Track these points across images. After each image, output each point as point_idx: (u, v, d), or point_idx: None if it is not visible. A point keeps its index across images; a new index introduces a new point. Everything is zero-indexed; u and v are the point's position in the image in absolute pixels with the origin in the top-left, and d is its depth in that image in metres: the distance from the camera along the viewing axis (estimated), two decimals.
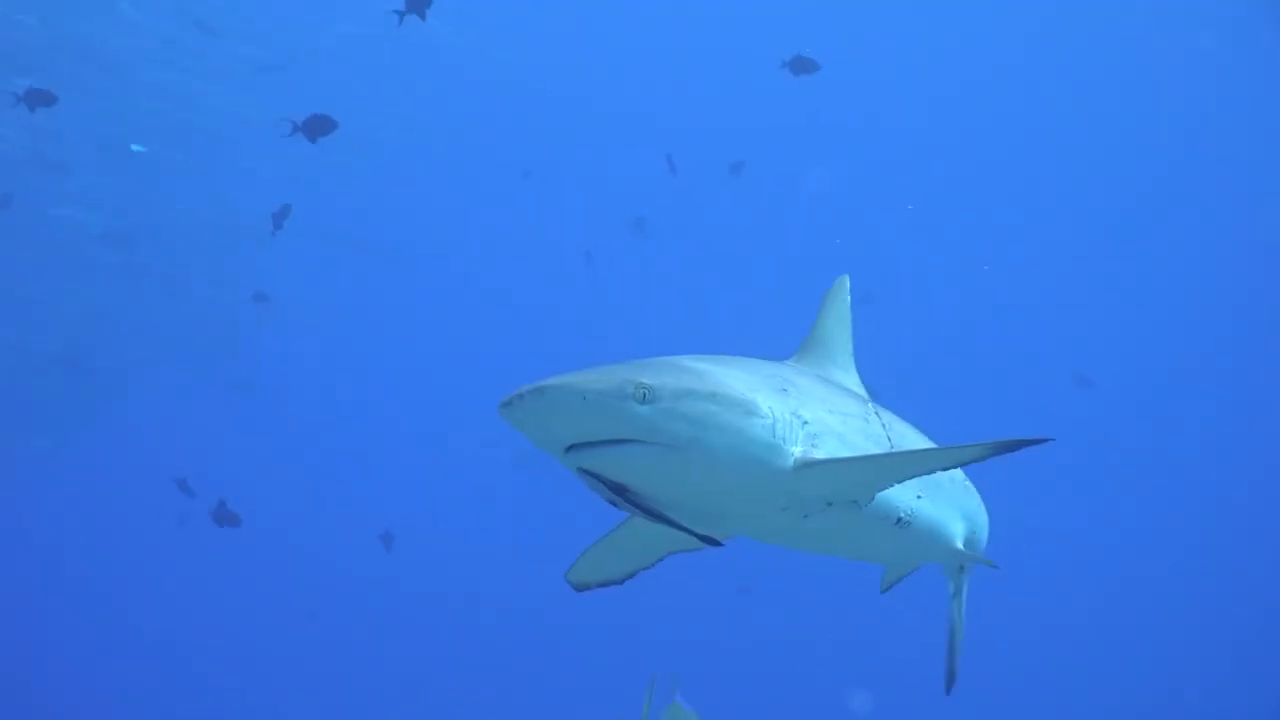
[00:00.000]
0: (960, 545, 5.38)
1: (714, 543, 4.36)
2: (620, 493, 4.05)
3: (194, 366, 32.51)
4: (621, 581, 5.06)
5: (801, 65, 16.88)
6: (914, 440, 5.16)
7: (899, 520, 4.75)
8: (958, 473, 5.44)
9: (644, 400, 3.91)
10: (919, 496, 4.85)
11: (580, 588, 5.05)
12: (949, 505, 5.25)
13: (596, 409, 3.90)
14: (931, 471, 4.54)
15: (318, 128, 13.46)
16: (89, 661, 32.17)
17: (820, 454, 4.28)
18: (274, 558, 32.80)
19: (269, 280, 27.93)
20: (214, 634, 33.18)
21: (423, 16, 12.57)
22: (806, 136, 36.43)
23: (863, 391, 5.51)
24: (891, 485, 4.50)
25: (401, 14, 12.43)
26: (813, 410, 4.43)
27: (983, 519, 5.74)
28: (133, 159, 27.00)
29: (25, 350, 29.30)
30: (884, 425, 4.95)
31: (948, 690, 6.16)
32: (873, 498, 4.53)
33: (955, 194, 38.34)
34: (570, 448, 4.02)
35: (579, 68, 35.04)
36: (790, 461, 4.19)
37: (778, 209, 37.39)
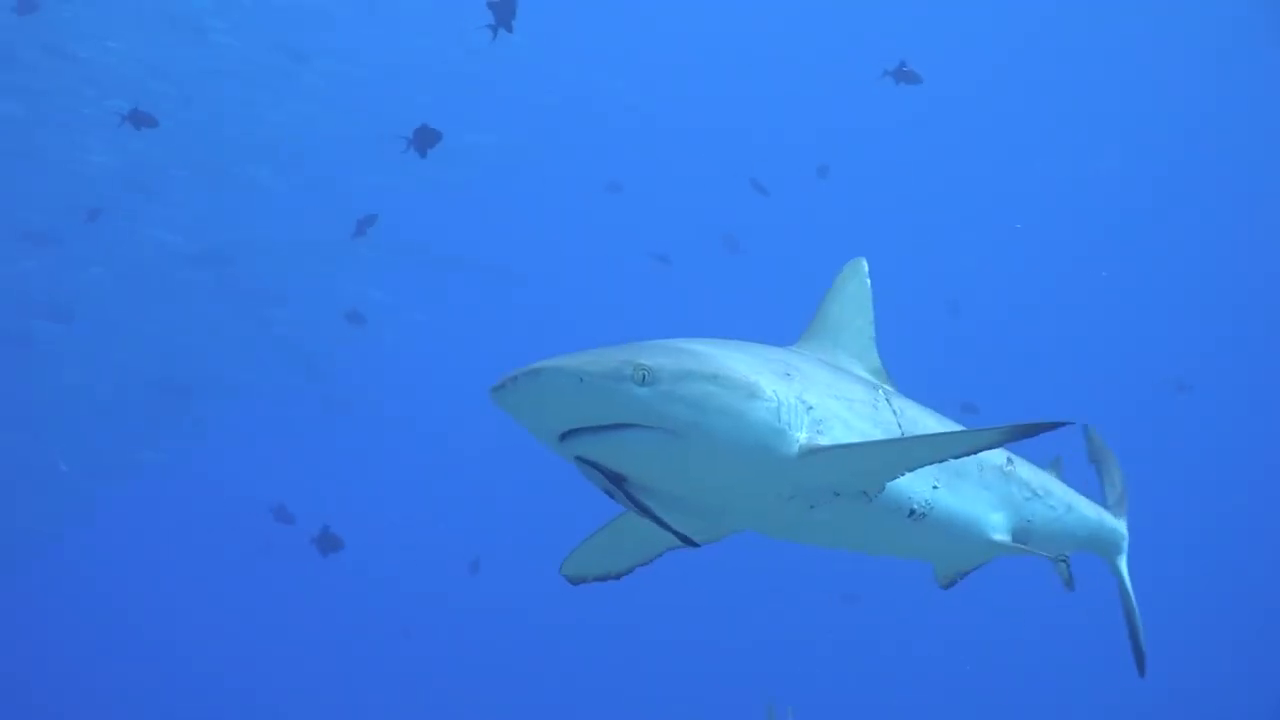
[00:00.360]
0: (1001, 537, 5.03)
1: (691, 544, 4.16)
2: (618, 482, 3.90)
3: (288, 386, 32.69)
4: (619, 576, 4.86)
5: (904, 76, 16.68)
6: (929, 427, 4.87)
7: (912, 513, 4.52)
8: (992, 459, 5.07)
9: (643, 382, 3.76)
10: (935, 486, 4.60)
11: (575, 580, 4.84)
12: (976, 495, 4.93)
13: (594, 392, 3.75)
14: (945, 458, 4.31)
15: (426, 139, 13.61)
16: (181, 667, 32.70)
17: (825, 441, 4.11)
18: (364, 578, 32.86)
19: (362, 299, 28.14)
20: (306, 650, 33.57)
21: (510, 29, 12.58)
22: (899, 143, 36.39)
23: (878, 379, 5.21)
24: (902, 473, 4.28)
25: (493, 28, 12.46)
26: (817, 395, 4.25)
27: (1043, 505, 5.37)
28: (225, 179, 27.26)
29: (125, 370, 29.74)
30: (895, 412, 4.72)
31: (1140, 671, 6.13)
32: (883, 487, 4.31)
33: (1053, 201, 38.05)
34: (565, 435, 3.87)
35: (661, 79, 35.13)
36: (795, 448, 4.02)
37: (866, 219, 37.27)
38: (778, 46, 35.45)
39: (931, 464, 4.29)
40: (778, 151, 31.97)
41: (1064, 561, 5.58)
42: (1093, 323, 38.75)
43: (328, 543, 15.91)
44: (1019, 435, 3.98)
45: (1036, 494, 5.31)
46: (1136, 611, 6.28)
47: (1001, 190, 38.32)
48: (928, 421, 4.93)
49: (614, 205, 32.10)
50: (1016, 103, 36.89)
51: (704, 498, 4.08)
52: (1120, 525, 6.22)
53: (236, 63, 25.54)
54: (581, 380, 3.73)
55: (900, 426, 4.64)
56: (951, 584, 5.39)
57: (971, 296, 33.12)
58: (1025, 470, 5.32)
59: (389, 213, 27.52)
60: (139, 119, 16.46)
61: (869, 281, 5.38)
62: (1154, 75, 35.19)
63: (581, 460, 3.89)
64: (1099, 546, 6.08)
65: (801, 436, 4.04)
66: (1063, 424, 3.87)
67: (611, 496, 4.00)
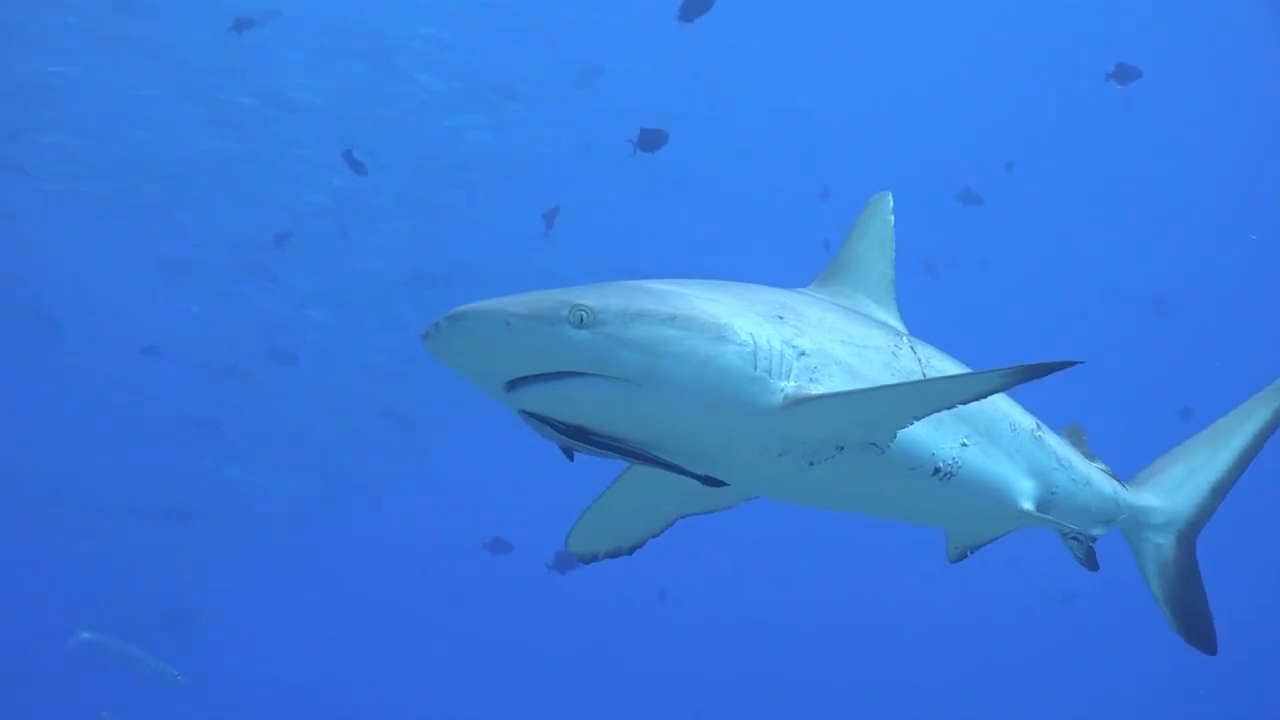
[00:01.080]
0: (1028, 506, 4.62)
1: (715, 483, 3.78)
2: (581, 437, 3.53)
3: (499, 410, 32.97)
4: (630, 551, 4.53)
5: (1125, 73, 16.55)
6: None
7: (937, 471, 4.12)
8: (1024, 422, 4.72)
9: (581, 324, 3.40)
10: (964, 444, 4.22)
11: (588, 558, 4.53)
12: (1007, 457, 4.53)
13: (524, 336, 3.39)
14: (948, 405, 3.84)
15: (651, 141, 14.01)
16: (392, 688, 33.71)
17: (817, 390, 3.71)
18: (568, 600, 33.25)
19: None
20: (509, 665, 34.37)
21: (690, 20, 13.03)
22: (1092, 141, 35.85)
23: (899, 325, 4.81)
24: (907, 422, 3.85)
25: (688, 18, 12.88)
26: (815, 340, 3.85)
27: (1067, 476, 4.88)
28: (432, 205, 27.58)
29: (348, 401, 30.59)
30: (920, 360, 4.32)
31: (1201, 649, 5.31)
32: (892, 437, 3.89)
33: None
34: (511, 385, 3.51)
35: (858, 89, 35.12)
36: (779, 398, 3.63)
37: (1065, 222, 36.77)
38: (990, 53, 35.26)
39: (936, 410, 3.87)
40: (979, 156, 31.63)
41: (1077, 540, 5.07)
42: None
43: (563, 562, 16.36)
44: (1026, 376, 3.61)
45: (1062, 464, 4.88)
46: (1153, 591, 5.39)
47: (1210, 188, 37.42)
48: (953, 371, 4.50)
49: (825, 213, 32.07)
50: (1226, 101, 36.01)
51: (678, 454, 3.68)
52: (1137, 500, 5.34)
53: (441, 95, 26.00)
54: (508, 324, 3.39)
55: (925, 375, 4.28)
56: (962, 557, 4.92)
57: (1183, 296, 32.28)
58: (1052, 438, 4.92)
59: (596, 231, 28.02)
60: (353, 162, 17.31)
61: (893, 219, 4.96)
62: None
63: (529, 415, 3.55)
64: (1114, 524, 5.30)
65: (788, 385, 3.67)
66: (1073, 363, 3.55)
67: (572, 453, 3.66)
